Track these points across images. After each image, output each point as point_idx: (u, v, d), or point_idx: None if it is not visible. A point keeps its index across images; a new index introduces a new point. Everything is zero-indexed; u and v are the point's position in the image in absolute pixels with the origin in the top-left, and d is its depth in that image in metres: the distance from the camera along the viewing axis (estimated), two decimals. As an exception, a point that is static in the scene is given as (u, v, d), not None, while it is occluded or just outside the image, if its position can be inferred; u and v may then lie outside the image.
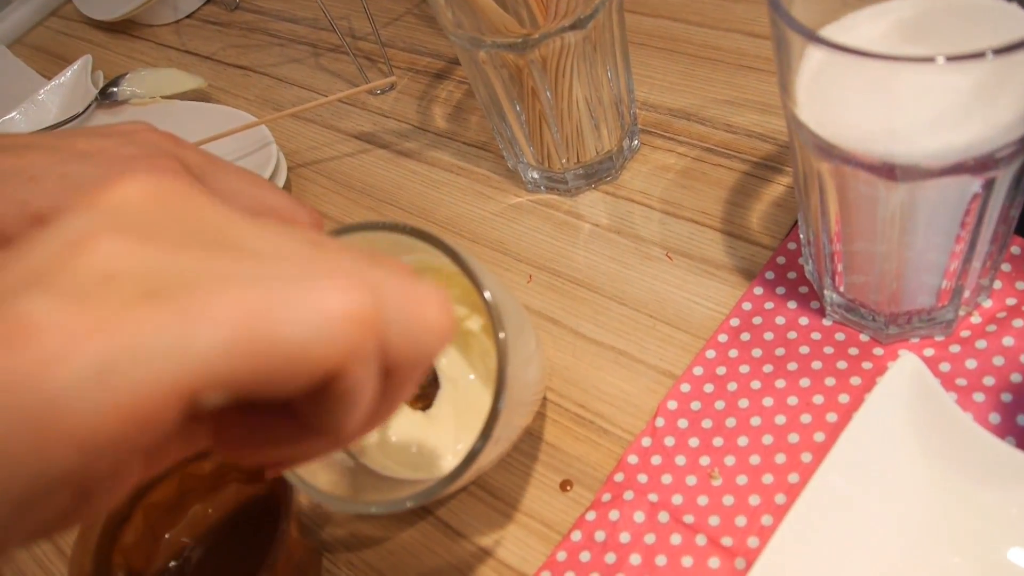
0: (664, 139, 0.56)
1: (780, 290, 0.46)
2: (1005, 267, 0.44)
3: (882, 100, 0.33)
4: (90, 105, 0.73)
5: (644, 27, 0.64)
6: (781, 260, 0.47)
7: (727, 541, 0.39)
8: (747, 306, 0.46)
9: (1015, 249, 0.44)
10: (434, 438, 0.41)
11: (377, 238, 0.37)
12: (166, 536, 0.45)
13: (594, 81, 0.50)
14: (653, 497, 0.41)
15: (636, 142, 0.56)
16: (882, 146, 0.34)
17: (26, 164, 0.37)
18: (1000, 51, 0.29)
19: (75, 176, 0.37)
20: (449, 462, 0.40)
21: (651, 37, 0.63)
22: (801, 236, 0.46)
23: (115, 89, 0.72)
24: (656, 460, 0.42)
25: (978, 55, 0.30)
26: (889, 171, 0.34)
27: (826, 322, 0.44)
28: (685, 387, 0.44)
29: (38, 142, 0.38)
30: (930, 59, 0.30)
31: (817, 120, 0.36)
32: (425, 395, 0.42)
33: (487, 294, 0.34)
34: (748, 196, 0.52)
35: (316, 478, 0.37)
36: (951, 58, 0.30)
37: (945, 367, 0.41)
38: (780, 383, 0.43)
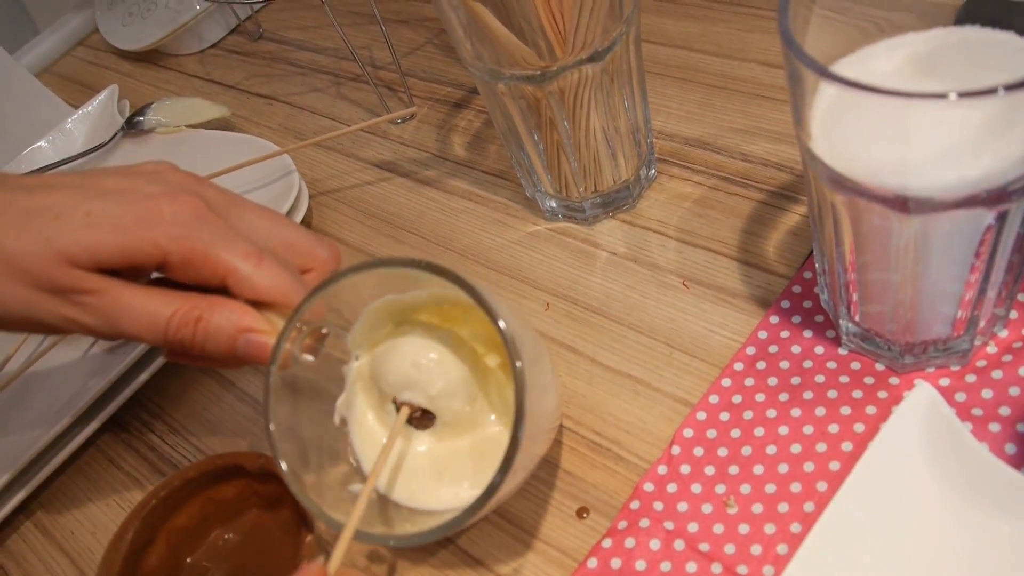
0: (681, 168, 0.57)
1: (796, 319, 0.47)
2: (1021, 297, 0.44)
3: (895, 134, 0.33)
4: (116, 134, 0.75)
5: (660, 57, 0.65)
6: (797, 289, 0.48)
7: (742, 569, 0.39)
8: (763, 335, 0.46)
9: (1031, 279, 0.44)
10: (454, 470, 0.41)
11: (394, 273, 0.38)
12: (188, 560, 0.45)
13: (611, 111, 0.51)
14: (669, 525, 0.41)
15: (653, 171, 0.57)
16: (895, 179, 0.34)
17: (52, 202, 0.38)
18: (1012, 87, 0.30)
19: (99, 214, 0.38)
20: (468, 493, 0.41)
21: (667, 67, 0.64)
22: (816, 265, 0.46)
23: (141, 118, 0.74)
24: (672, 488, 0.42)
25: (990, 91, 0.30)
26: (902, 204, 0.35)
27: (842, 351, 0.45)
28: (701, 415, 0.44)
29: (64, 181, 0.40)
30: (943, 95, 0.30)
31: (831, 153, 0.37)
32: (423, 423, 0.42)
33: (501, 324, 0.35)
34: (764, 225, 0.52)
35: (336, 510, 0.37)
36: (963, 94, 0.30)
37: (961, 397, 0.41)
38: (796, 412, 0.43)
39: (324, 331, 0.41)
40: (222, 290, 0.40)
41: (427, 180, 0.64)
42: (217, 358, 0.39)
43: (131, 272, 0.39)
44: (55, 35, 1.03)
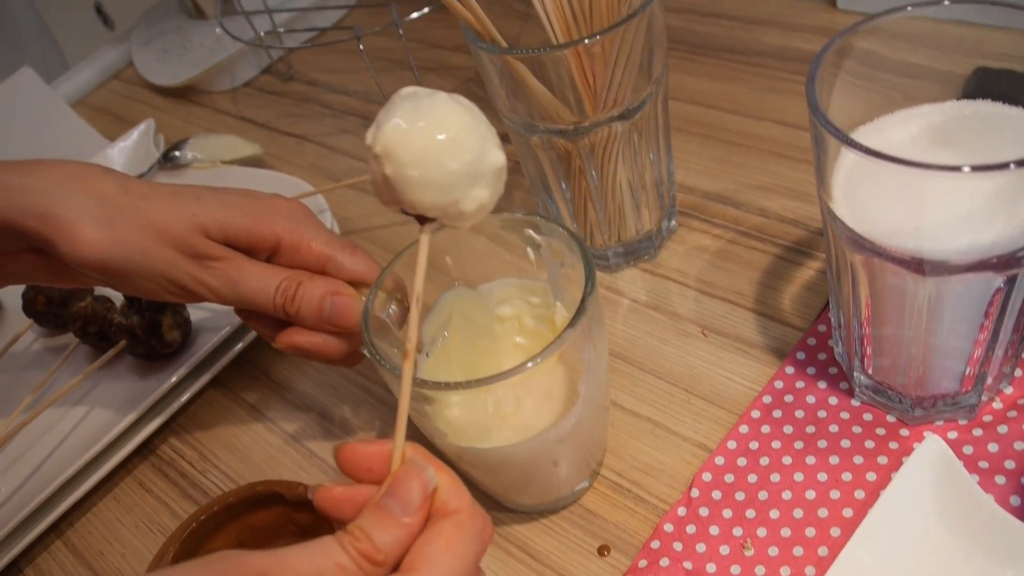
0: (700, 221, 0.59)
1: (811, 370, 0.49)
2: (1026, 356, 0.46)
3: (912, 200, 0.36)
4: (152, 167, 0.77)
5: (682, 113, 0.68)
6: (811, 341, 0.50)
7: (758, 609, 0.40)
8: (779, 384, 0.48)
9: (1036, 339, 0.47)
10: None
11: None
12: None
13: (638, 164, 0.54)
14: (688, 564, 0.43)
15: (674, 223, 0.59)
16: (912, 242, 0.37)
17: (193, 190, 0.49)
18: (1022, 162, 0.32)
19: (232, 200, 0.48)
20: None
21: (689, 123, 0.67)
22: (832, 319, 0.48)
23: (177, 153, 0.77)
24: (691, 529, 0.44)
25: (1002, 166, 0.32)
26: (918, 265, 0.37)
27: (854, 402, 0.47)
28: (719, 460, 0.46)
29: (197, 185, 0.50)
30: (957, 168, 0.33)
31: (851, 214, 0.39)
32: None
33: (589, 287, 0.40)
34: (780, 278, 0.54)
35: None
36: (976, 167, 0.33)
37: (968, 450, 0.43)
38: (810, 459, 0.45)
39: (404, 304, 0.45)
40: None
41: (454, 223, 0.67)
42: (310, 320, 0.47)
43: (249, 253, 0.48)
44: (90, 68, 1.06)
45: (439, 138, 0.35)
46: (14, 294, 0.68)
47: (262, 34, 0.85)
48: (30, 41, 1.44)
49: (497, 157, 0.38)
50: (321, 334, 0.48)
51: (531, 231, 0.45)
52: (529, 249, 0.46)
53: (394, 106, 0.36)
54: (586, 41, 0.46)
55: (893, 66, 0.41)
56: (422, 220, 0.38)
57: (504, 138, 0.71)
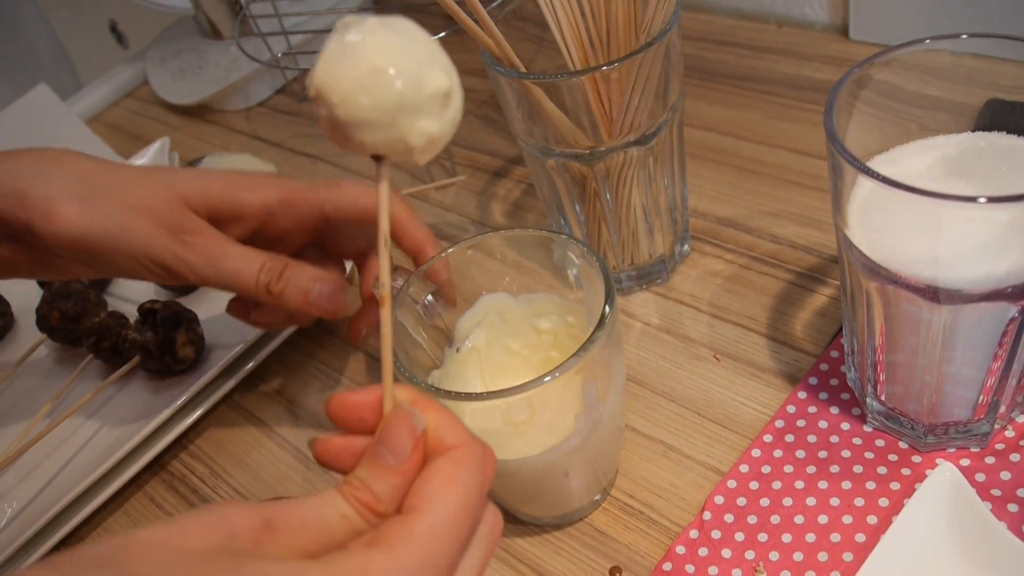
0: (713, 246, 0.60)
1: (823, 395, 0.49)
2: (1038, 385, 0.46)
3: (928, 229, 0.36)
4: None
5: (695, 139, 0.68)
6: (824, 367, 0.50)
7: (770, 634, 0.41)
8: (791, 409, 0.49)
9: (1048, 368, 0.47)
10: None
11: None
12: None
13: (652, 189, 0.54)
14: (700, 587, 0.43)
15: (687, 247, 0.60)
16: (927, 271, 0.37)
17: (170, 168, 0.50)
18: (1039, 195, 0.33)
19: (212, 172, 0.49)
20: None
21: (702, 149, 0.68)
22: (845, 345, 0.49)
23: (193, 171, 0.77)
24: (703, 552, 0.44)
25: (1018, 197, 0.33)
26: (933, 294, 0.38)
27: (867, 428, 0.47)
28: (731, 483, 0.46)
29: None
30: (973, 198, 0.33)
31: (867, 242, 0.40)
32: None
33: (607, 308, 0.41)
34: (792, 304, 0.55)
35: None
36: (992, 199, 0.33)
37: (980, 477, 0.44)
38: (823, 484, 0.45)
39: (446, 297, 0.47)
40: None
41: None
42: (293, 304, 0.46)
43: (235, 222, 0.47)
44: (105, 86, 1.07)
45: (362, 70, 0.32)
46: (28, 309, 0.68)
47: (278, 55, 0.86)
48: (45, 59, 1.45)
49: (437, 81, 0.33)
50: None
51: (571, 253, 0.46)
52: (572, 276, 0.47)
53: (327, 43, 0.33)
54: (604, 68, 0.47)
55: (908, 97, 0.42)
56: (377, 159, 0.34)
57: (511, 160, 0.73)
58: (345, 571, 0.27)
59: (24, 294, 0.71)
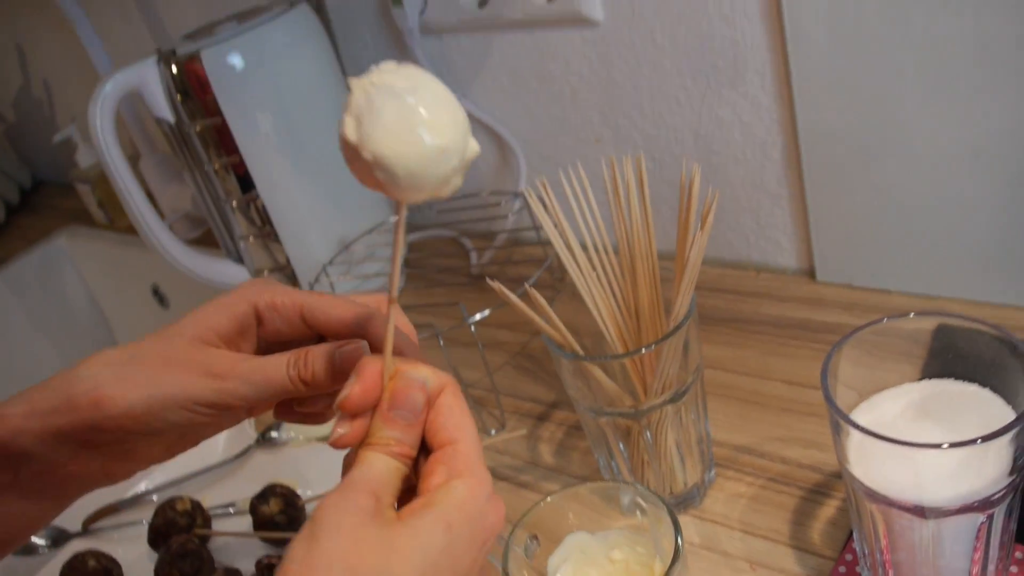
0: (734, 471, 0.72)
1: (845, 593, 0.60)
2: (1013, 568, 0.58)
3: (909, 464, 0.49)
4: (249, 447, 0.90)
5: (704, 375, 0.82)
6: (842, 569, 0.62)
7: None
8: (822, 607, 0.60)
9: (1019, 554, 0.59)
10: None
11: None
12: None
13: (683, 428, 0.67)
14: None
15: (713, 473, 0.72)
16: (912, 495, 0.50)
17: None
18: (986, 438, 0.46)
19: (203, 307, 0.52)
20: None
21: (709, 385, 0.81)
22: (856, 548, 0.61)
23: (275, 434, 0.89)
24: None
25: (972, 441, 0.46)
26: (919, 511, 0.50)
27: (885, 618, 0.58)
28: (784, 675, 0.57)
29: None
30: (939, 445, 0.47)
31: (864, 474, 0.52)
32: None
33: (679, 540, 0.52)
34: (807, 516, 0.67)
35: None
36: (953, 444, 0.47)
37: (981, 652, 0.55)
38: (857, 669, 0.56)
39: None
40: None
41: (524, 483, 0.79)
42: (325, 376, 0.48)
43: (242, 338, 0.51)
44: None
45: (430, 151, 0.33)
46: (141, 571, 0.77)
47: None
48: (90, 328, 1.59)
49: (474, 148, 0.37)
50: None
51: (640, 499, 0.58)
52: (638, 512, 0.59)
53: (378, 104, 0.33)
54: (643, 351, 0.61)
55: (878, 358, 0.56)
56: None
57: (551, 405, 0.85)
58: (459, 500, 0.40)
59: (136, 561, 0.80)
